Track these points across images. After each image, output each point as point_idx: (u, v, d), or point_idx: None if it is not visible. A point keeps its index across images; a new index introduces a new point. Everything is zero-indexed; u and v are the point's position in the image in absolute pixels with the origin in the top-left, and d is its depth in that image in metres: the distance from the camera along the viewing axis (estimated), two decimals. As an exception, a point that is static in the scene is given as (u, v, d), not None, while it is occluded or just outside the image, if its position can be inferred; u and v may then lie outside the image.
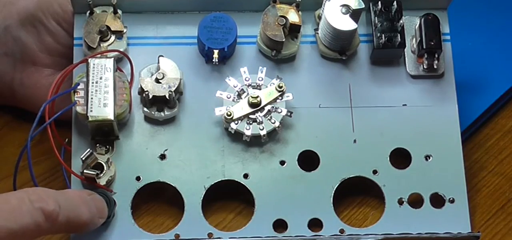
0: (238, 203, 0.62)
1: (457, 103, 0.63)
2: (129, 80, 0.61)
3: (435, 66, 0.63)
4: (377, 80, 0.64)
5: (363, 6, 0.61)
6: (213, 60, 0.62)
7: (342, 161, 0.62)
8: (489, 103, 0.67)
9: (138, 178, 0.60)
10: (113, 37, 0.62)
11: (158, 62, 0.61)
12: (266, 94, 0.61)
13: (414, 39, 0.64)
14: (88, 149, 0.59)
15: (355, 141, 0.62)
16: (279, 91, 0.61)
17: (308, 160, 0.62)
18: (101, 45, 0.62)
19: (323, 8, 0.62)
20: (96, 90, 0.59)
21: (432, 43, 0.62)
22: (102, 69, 0.59)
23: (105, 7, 0.63)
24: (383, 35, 0.63)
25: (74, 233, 0.58)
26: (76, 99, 0.59)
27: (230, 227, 0.61)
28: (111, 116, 0.58)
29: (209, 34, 0.62)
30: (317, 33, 0.64)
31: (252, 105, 0.61)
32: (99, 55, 0.60)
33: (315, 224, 0.60)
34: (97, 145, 0.60)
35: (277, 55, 0.63)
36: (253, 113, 0.61)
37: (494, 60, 0.69)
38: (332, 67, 0.64)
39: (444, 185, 0.61)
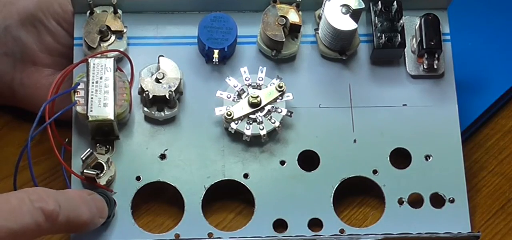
0: (238, 203, 0.62)
1: (457, 103, 0.63)
2: (129, 80, 0.61)
3: (435, 66, 0.63)
4: (377, 80, 0.64)
5: (363, 6, 0.61)
6: (213, 60, 0.62)
7: (342, 161, 0.62)
8: (489, 103, 0.67)
9: (138, 178, 0.60)
10: (113, 37, 0.62)
11: (158, 62, 0.61)
12: (266, 94, 0.61)
13: (414, 39, 0.64)
14: (88, 149, 0.59)
15: (355, 141, 0.62)
16: (279, 91, 0.61)
17: (308, 160, 0.62)
18: (101, 45, 0.62)
19: (323, 8, 0.62)
20: (96, 90, 0.59)
21: (432, 43, 0.62)
22: (102, 69, 0.59)
23: (105, 7, 0.63)
24: (383, 35, 0.63)
25: (74, 233, 0.58)
26: (76, 99, 0.59)
27: (230, 227, 0.61)
28: (111, 116, 0.58)
29: (209, 34, 0.62)
30: (317, 33, 0.64)
31: (252, 105, 0.61)
32: (99, 55, 0.60)
33: (315, 224, 0.60)
34: (97, 145, 0.60)
35: (277, 55, 0.63)
36: (253, 113, 0.61)
37: (494, 60, 0.69)
38: (332, 67, 0.64)
39: (444, 185, 0.61)
